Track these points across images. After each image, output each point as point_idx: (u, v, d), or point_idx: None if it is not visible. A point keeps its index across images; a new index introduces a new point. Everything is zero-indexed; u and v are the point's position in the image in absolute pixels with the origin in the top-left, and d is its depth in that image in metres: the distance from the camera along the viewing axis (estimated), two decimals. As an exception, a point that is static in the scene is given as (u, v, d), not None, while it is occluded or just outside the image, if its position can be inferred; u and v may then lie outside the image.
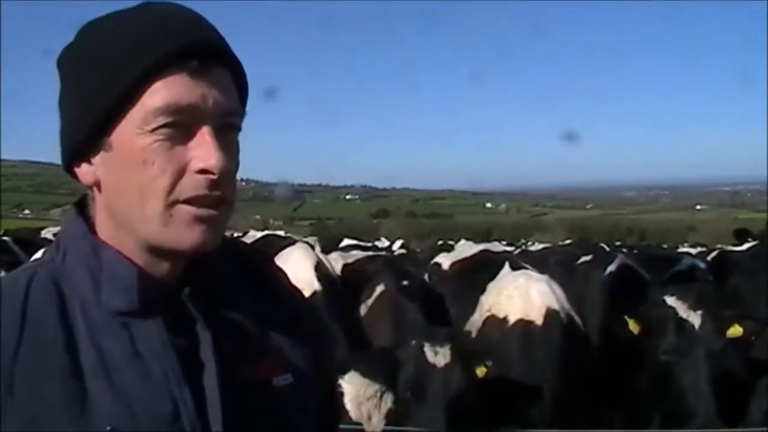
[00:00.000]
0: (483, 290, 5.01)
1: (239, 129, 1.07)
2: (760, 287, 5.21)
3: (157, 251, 1.05)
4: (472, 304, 5.00)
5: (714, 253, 8.08)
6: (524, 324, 4.45)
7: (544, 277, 4.99)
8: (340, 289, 5.31)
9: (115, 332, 1.02)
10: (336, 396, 1.41)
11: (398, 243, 15.87)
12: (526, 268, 5.35)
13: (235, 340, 1.09)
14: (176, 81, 1.00)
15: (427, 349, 3.52)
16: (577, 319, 4.78)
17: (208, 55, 1.02)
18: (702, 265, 6.25)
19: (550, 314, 4.49)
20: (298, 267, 4.93)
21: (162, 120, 0.99)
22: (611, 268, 5.81)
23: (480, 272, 5.57)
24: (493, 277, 5.12)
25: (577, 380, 4.41)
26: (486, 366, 3.72)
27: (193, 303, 1.07)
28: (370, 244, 14.75)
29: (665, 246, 24.58)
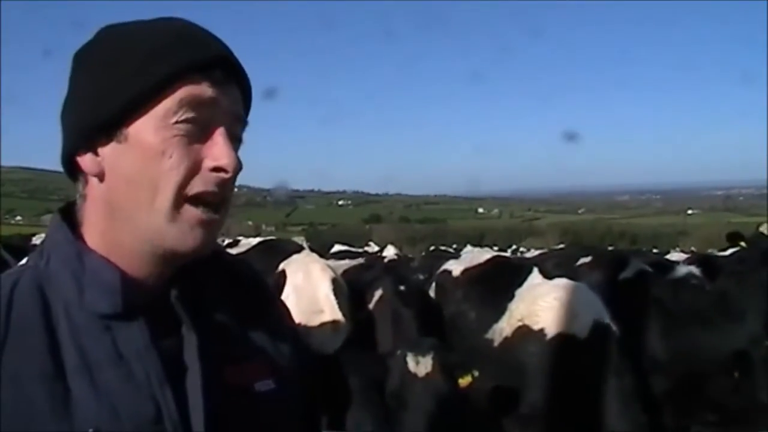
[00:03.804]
0: (510, 297, 4.77)
1: (241, 141, 1.12)
2: (745, 292, 5.22)
3: (155, 250, 1.06)
4: (496, 311, 4.81)
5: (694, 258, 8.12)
6: (567, 338, 4.21)
7: (583, 285, 4.74)
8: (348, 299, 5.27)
9: (98, 335, 1.03)
10: (319, 400, 1.42)
11: (391, 249, 15.82)
12: (555, 275, 5.09)
13: (219, 344, 1.10)
14: (200, 84, 1.04)
15: (409, 359, 3.57)
16: (618, 332, 4.41)
17: (228, 69, 1.08)
18: (697, 272, 6.25)
19: (598, 328, 4.25)
20: (319, 286, 4.88)
21: (183, 114, 1.03)
22: (627, 274, 5.69)
23: (501, 277, 5.34)
24: (519, 283, 4.90)
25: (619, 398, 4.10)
26: (473, 376, 3.67)
27: (180, 305, 1.08)
28: (361, 250, 14.77)
29: (656, 250, 24.70)
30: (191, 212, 1.04)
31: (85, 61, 1.09)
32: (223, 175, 1.04)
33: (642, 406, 4.09)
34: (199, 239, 1.05)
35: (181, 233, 1.04)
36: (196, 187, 1.04)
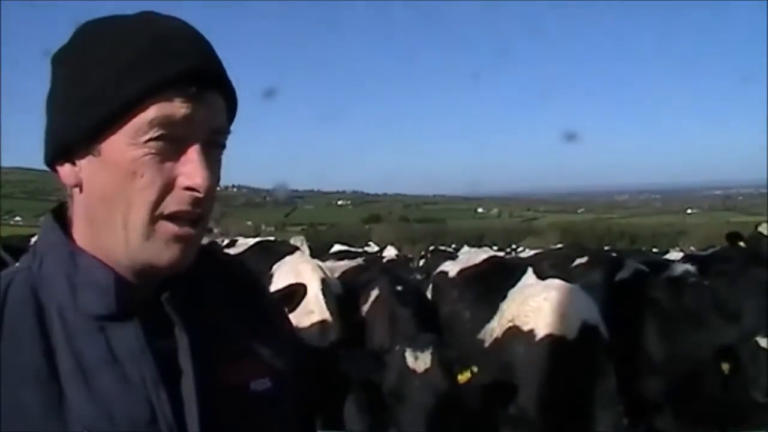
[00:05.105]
0: (503, 297, 4.76)
1: (224, 147, 1.10)
2: (734, 289, 5.25)
3: (133, 265, 1.05)
4: (489, 311, 4.79)
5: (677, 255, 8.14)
6: (555, 340, 4.18)
7: (575, 287, 4.69)
8: (341, 299, 5.29)
9: (93, 336, 1.03)
10: (314, 400, 1.42)
11: (391, 249, 15.82)
12: (549, 275, 5.09)
13: (213, 344, 1.10)
14: (173, 101, 1.01)
15: (408, 354, 3.55)
16: (607, 335, 4.39)
17: (206, 80, 1.04)
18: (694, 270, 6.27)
19: (587, 330, 4.23)
20: (309, 287, 4.80)
21: (154, 132, 1.00)
22: (623, 275, 5.70)
23: (496, 277, 5.34)
24: (513, 284, 4.88)
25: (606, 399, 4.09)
26: (472, 372, 3.66)
27: (172, 307, 1.08)
28: (361, 250, 14.80)
29: (656, 250, 24.73)
30: (166, 227, 1.03)
31: (62, 66, 1.08)
32: (195, 194, 1.02)
33: (623, 410, 4.11)
34: (176, 255, 1.04)
35: (157, 250, 1.03)
36: (170, 206, 1.02)
